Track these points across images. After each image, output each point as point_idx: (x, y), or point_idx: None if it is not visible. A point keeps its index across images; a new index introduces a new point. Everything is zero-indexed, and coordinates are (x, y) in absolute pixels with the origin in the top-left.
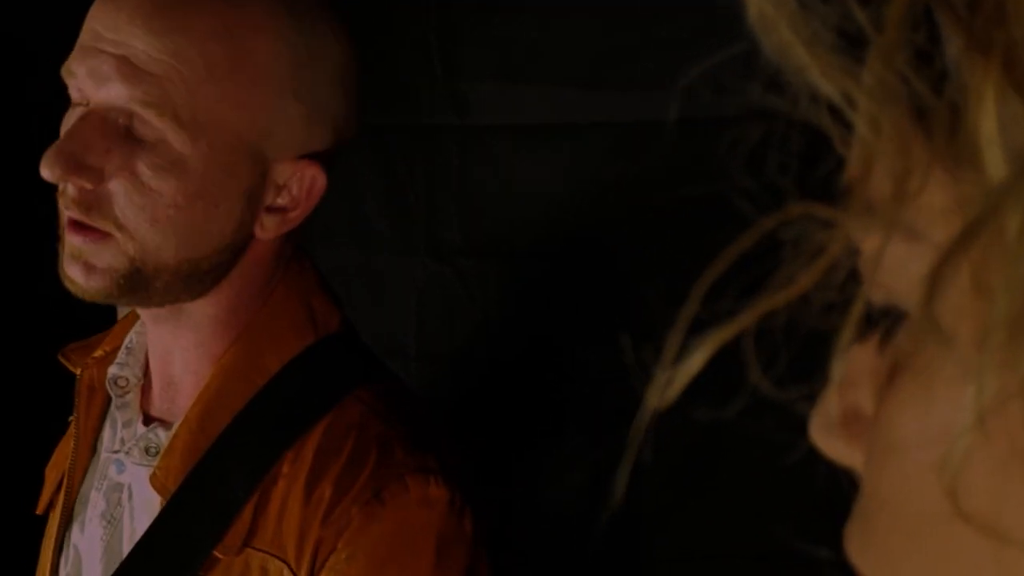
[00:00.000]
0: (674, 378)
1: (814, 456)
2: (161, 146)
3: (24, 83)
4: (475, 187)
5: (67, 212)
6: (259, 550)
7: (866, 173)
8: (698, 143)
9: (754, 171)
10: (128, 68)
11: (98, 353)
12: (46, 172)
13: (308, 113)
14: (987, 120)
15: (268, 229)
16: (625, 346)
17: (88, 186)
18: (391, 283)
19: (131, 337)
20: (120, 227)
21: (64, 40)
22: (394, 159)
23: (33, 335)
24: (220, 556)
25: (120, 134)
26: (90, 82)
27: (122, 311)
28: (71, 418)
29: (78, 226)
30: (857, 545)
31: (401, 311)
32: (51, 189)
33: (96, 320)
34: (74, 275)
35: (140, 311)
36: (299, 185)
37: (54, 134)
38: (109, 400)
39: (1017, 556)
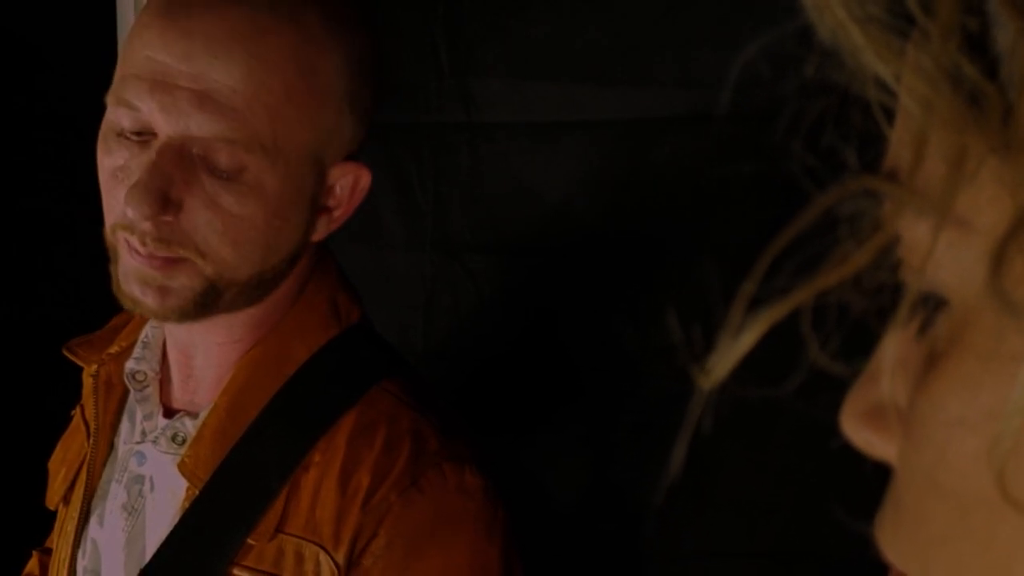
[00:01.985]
0: (725, 356)
1: (817, 455)
2: (243, 174)
3: (31, 83)
4: (483, 184)
5: (142, 248)
6: (292, 535)
7: (918, 159)
8: (708, 139)
9: (772, 164)
10: (210, 104)
11: (114, 349)
12: (134, 213)
13: (357, 118)
14: None
15: (319, 231)
16: (672, 325)
17: (169, 220)
18: (399, 279)
19: (147, 332)
20: (201, 253)
21: (70, 40)
22: (402, 155)
23: (31, 329)
24: (253, 543)
25: (197, 165)
26: (163, 116)
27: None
28: (73, 412)
29: (150, 255)
30: (889, 535)
31: (409, 307)
32: (53, 186)
33: (92, 313)
34: (147, 299)
35: None
36: (343, 184)
37: (57, 134)
38: (125, 395)
39: None
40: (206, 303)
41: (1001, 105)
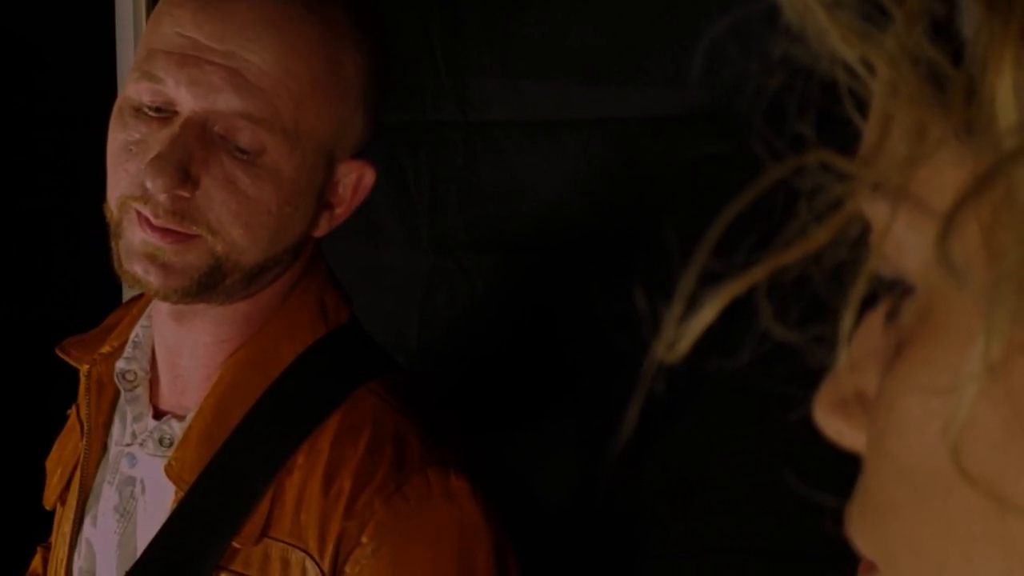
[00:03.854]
0: (684, 331)
1: (809, 453)
2: (261, 156)
3: (31, 83)
4: (478, 182)
5: (154, 220)
6: (278, 540)
7: (882, 139)
8: (701, 139)
9: (761, 163)
10: (240, 81)
11: (105, 349)
12: (154, 183)
13: (367, 117)
14: (1004, 86)
15: (321, 227)
16: (638, 298)
17: (186, 195)
18: (394, 277)
19: (137, 331)
20: (213, 231)
21: (70, 40)
22: (398, 154)
23: (31, 329)
24: (239, 546)
25: (217, 144)
26: (190, 90)
27: (126, 294)
28: (69, 411)
29: (162, 229)
30: (857, 523)
31: (404, 304)
32: (53, 186)
33: (92, 313)
34: (149, 276)
35: (164, 307)
36: (346, 183)
37: (57, 134)
38: (117, 395)
39: (1018, 522)
40: (209, 284)
41: (965, 88)
